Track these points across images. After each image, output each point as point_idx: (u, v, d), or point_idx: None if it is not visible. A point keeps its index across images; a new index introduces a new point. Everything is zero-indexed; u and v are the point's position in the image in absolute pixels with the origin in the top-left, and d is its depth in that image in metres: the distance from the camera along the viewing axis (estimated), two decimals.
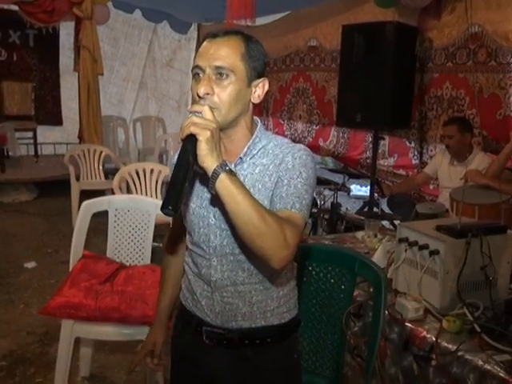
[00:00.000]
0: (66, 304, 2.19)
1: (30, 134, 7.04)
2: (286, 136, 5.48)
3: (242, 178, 1.21)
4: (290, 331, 1.38)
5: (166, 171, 4.30)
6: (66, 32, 7.12)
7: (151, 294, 2.33)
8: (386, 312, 1.71)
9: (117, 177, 4.09)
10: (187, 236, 1.37)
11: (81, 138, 6.33)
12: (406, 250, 1.84)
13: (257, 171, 1.24)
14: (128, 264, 2.59)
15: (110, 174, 6.00)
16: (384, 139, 4.54)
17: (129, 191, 4.30)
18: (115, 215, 2.60)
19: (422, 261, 1.78)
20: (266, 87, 1.25)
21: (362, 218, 3.31)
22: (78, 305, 2.19)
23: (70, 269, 2.42)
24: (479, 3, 3.70)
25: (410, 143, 4.60)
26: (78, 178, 5.39)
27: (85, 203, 2.51)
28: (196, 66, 1.19)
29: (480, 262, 1.74)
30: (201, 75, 1.18)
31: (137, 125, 7.55)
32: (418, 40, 4.20)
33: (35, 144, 7.03)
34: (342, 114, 4.41)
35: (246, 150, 1.25)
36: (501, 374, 1.41)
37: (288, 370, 1.39)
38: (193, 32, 8.01)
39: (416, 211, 3.02)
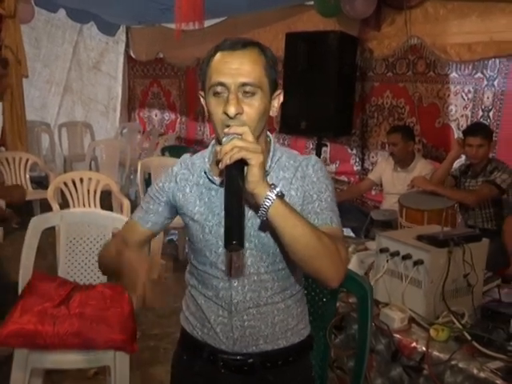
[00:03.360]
0: (20, 332, 1.98)
1: None
2: None
3: None
4: (309, 347, 1.35)
5: (105, 181, 4.07)
6: None
7: (113, 314, 2.18)
8: (372, 324, 1.69)
9: (51, 187, 3.80)
10: (194, 257, 1.27)
11: (3, 144, 5.85)
12: (387, 261, 1.85)
13: (280, 185, 1.16)
14: (82, 283, 2.40)
15: (33, 182, 5.64)
16: (326, 146, 4.61)
17: (64, 202, 4.03)
18: (67, 231, 2.40)
19: (405, 271, 1.79)
20: (281, 99, 1.19)
21: None
22: (34, 332, 1.99)
23: (19, 292, 2.19)
24: (418, 17, 3.86)
25: (352, 150, 4.71)
26: None
27: (34, 219, 2.29)
28: (218, 83, 1.08)
29: (460, 269, 1.79)
30: (224, 93, 1.08)
31: (62, 130, 7.13)
32: (358, 50, 4.32)
33: None
34: (285, 122, 4.40)
35: (268, 164, 1.18)
36: (497, 382, 1.44)
37: None
38: (121, 34, 7.71)
39: (371, 218, 3.07)
